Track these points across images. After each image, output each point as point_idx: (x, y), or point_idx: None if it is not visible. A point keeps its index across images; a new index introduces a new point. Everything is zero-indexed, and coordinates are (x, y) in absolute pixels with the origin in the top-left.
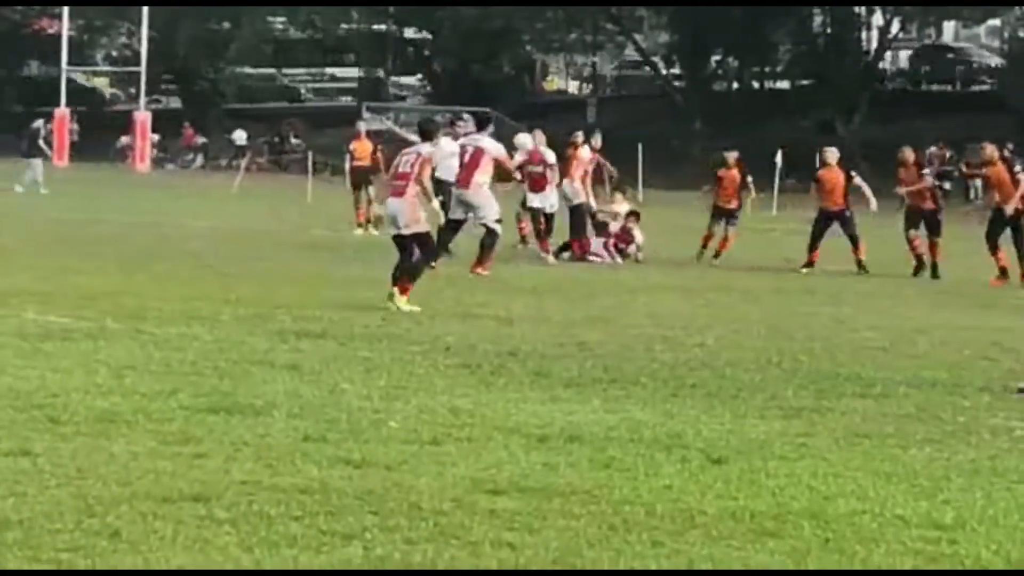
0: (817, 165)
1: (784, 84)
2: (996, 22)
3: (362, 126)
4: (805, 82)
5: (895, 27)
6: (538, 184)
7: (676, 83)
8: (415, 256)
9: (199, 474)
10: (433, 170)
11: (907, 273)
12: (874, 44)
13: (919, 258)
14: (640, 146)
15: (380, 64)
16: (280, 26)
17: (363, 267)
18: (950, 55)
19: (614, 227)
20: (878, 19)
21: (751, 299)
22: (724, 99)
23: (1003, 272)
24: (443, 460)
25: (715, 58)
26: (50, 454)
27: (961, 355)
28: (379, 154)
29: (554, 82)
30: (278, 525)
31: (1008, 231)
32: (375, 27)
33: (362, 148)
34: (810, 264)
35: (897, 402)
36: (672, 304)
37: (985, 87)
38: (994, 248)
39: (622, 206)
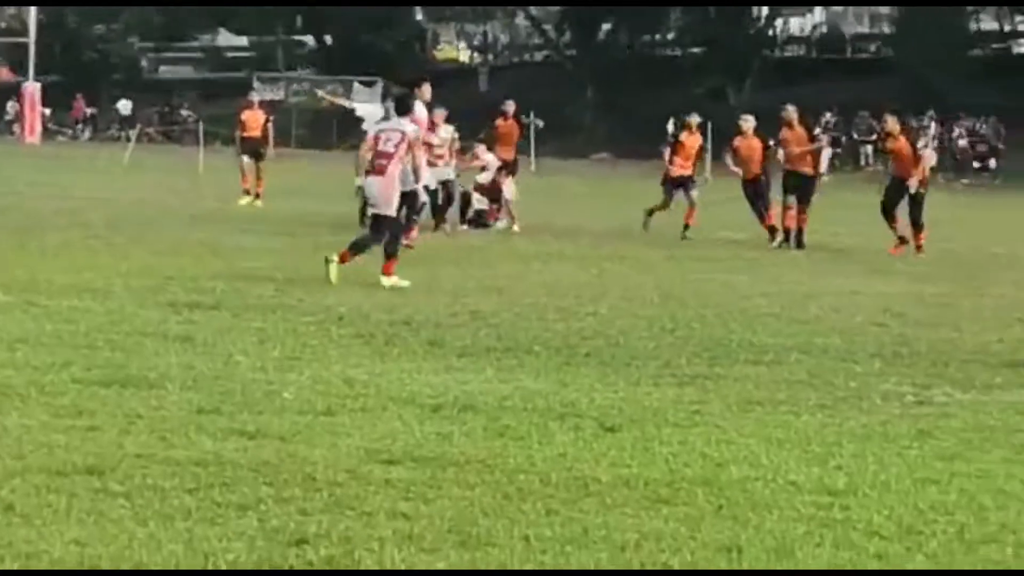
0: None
1: (675, 51)
2: None
3: (254, 96)
4: (696, 50)
5: None
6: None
7: (568, 51)
8: (384, 232)
9: (92, 447)
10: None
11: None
12: (764, 11)
13: (778, 227)
14: (531, 113)
15: (270, 32)
16: None
17: (255, 238)
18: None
19: (483, 178)
20: None
21: (644, 268)
22: (616, 67)
23: (902, 240)
24: (337, 431)
25: (606, 26)
26: None
27: (853, 321)
28: (269, 125)
29: (445, 51)
30: (172, 498)
31: (905, 201)
32: None
33: (253, 119)
34: (772, 231)
35: (789, 368)
36: (566, 273)
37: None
38: (891, 218)
39: (486, 156)
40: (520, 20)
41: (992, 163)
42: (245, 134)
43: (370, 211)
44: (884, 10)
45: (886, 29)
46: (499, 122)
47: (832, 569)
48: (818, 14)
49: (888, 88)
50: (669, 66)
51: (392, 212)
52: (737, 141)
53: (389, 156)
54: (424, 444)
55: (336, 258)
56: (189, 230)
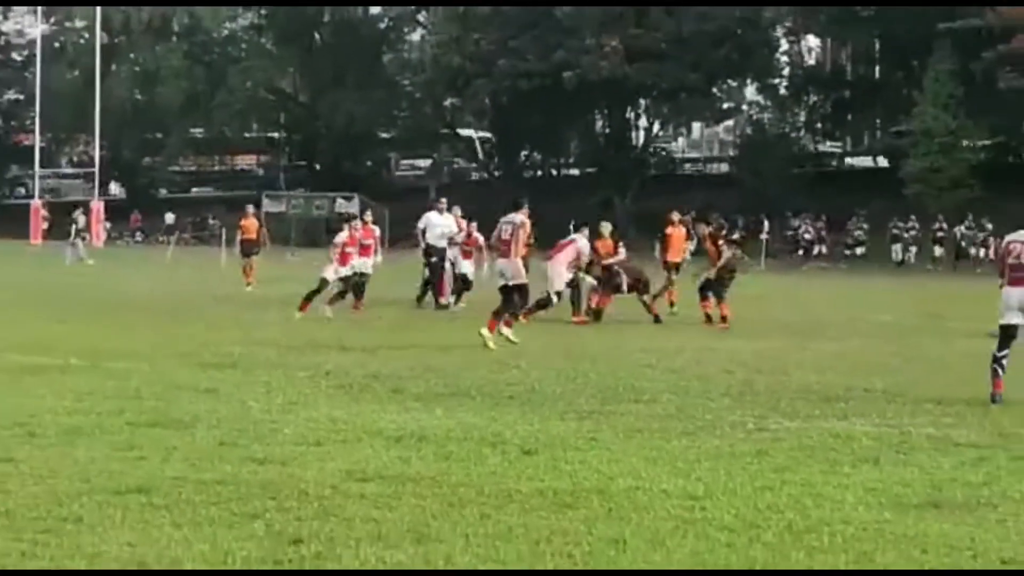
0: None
1: (575, 171)
2: (730, 122)
3: (249, 208)
4: (590, 169)
5: (656, 127)
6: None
7: (496, 172)
8: (516, 300)
9: (141, 472)
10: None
11: (670, 311)
12: (641, 140)
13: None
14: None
15: (276, 161)
16: (199, 134)
17: (262, 314)
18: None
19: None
20: (644, 122)
21: (554, 333)
22: (531, 183)
23: (708, 318)
24: (324, 457)
25: (524, 152)
26: (28, 460)
27: (708, 369)
28: (264, 229)
29: (405, 172)
30: (201, 509)
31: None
32: (270, 134)
33: (249, 225)
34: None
35: (662, 405)
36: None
37: (723, 170)
38: (703, 297)
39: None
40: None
41: (817, 251)
42: (243, 237)
43: (500, 283)
44: (728, 137)
45: (731, 152)
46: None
47: (696, 565)
48: (681, 143)
49: (733, 197)
50: (569, 182)
51: (524, 280)
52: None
53: (507, 243)
54: (389, 466)
55: (502, 325)
56: (213, 309)
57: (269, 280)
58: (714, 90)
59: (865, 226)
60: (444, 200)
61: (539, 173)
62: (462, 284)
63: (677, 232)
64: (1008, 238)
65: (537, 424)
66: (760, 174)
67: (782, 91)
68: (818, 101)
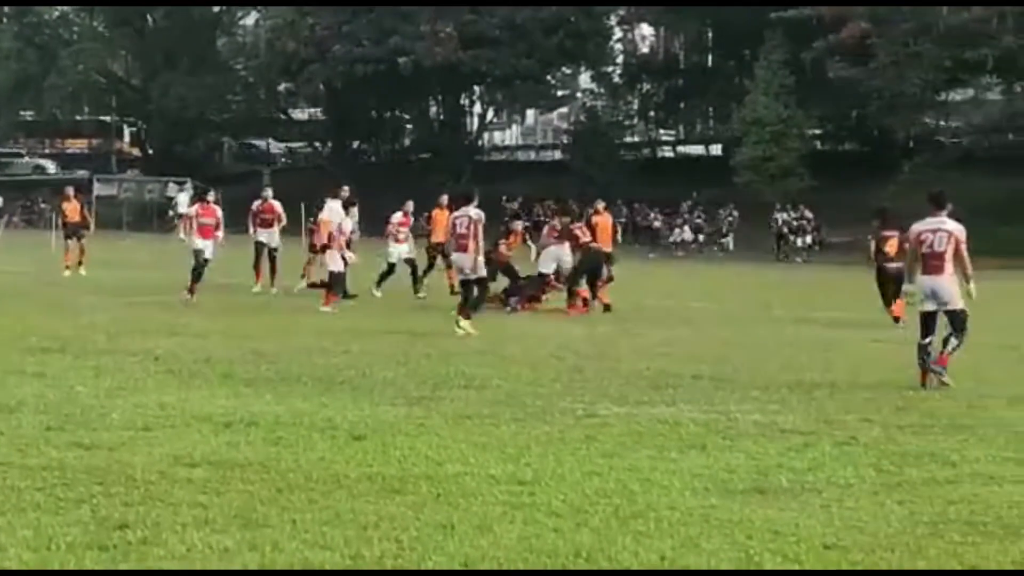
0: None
1: (409, 157)
2: (564, 109)
3: (69, 190)
4: (425, 155)
5: (490, 114)
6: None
7: (329, 157)
8: (476, 293)
9: None
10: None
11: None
12: (475, 126)
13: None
14: (302, 205)
15: (108, 145)
16: (30, 116)
17: (92, 299)
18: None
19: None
20: (478, 108)
21: (389, 317)
22: (366, 169)
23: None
24: (152, 442)
25: (358, 138)
26: None
27: (539, 355)
28: (86, 211)
29: (236, 158)
30: (25, 495)
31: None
32: (102, 117)
33: (71, 208)
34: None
35: (492, 392)
36: (333, 321)
37: (557, 156)
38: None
39: None
40: (293, 134)
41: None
42: (66, 220)
43: (460, 277)
44: (562, 124)
45: (564, 139)
46: (435, 212)
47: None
48: (515, 129)
49: (567, 184)
50: (404, 168)
51: (483, 273)
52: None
53: (465, 236)
54: (217, 451)
55: (460, 318)
56: (42, 293)
57: (101, 264)
58: (548, 77)
59: (703, 216)
60: (346, 189)
61: (373, 159)
62: (388, 270)
63: (602, 220)
64: (916, 228)
65: (367, 410)
66: (593, 161)
67: (616, 79)
68: (651, 89)
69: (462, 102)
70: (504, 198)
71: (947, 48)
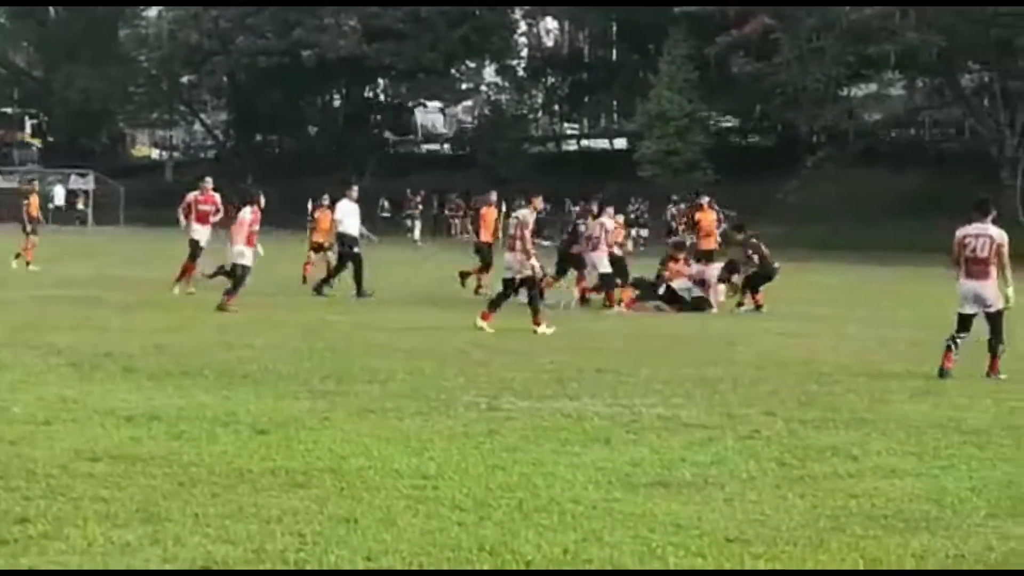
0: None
1: (314, 149)
2: (469, 103)
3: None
4: (329, 148)
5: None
6: None
7: (233, 150)
8: (532, 293)
9: None
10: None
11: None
12: (380, 119)
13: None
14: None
15: (9, 137)
16: None
17: None
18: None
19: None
20: (382, 101)
21: (291, 311)
22: (270, 160)
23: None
24: (54, 436)
25: (261, 130)
26: None
27: (444, 349)
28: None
29: (140, 149)
30: None
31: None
32: (3, 109)
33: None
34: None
35: (396, 385)
36: (231, 316)
37: (462, 151)
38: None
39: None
40: (197, 127)
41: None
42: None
43: (506, 275)
44: (468, 117)
45: (469, 132)
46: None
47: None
48: (419, 114)
49: (471, 177)
50: (308, 160)
51: (530, 272)
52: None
53: (513, 237)
54: (120, 445)
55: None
56: None
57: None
58: (452, 70)
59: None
60: (355, 188)
61: (277, 151)
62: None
63: (489, 212)
64: (961, 232)
65: (270, 404)
66: (498, 155)
67: (520, 73)
68: (556, 83)
69: (367, 94)
70: (408, 191)
71: (850, 44)
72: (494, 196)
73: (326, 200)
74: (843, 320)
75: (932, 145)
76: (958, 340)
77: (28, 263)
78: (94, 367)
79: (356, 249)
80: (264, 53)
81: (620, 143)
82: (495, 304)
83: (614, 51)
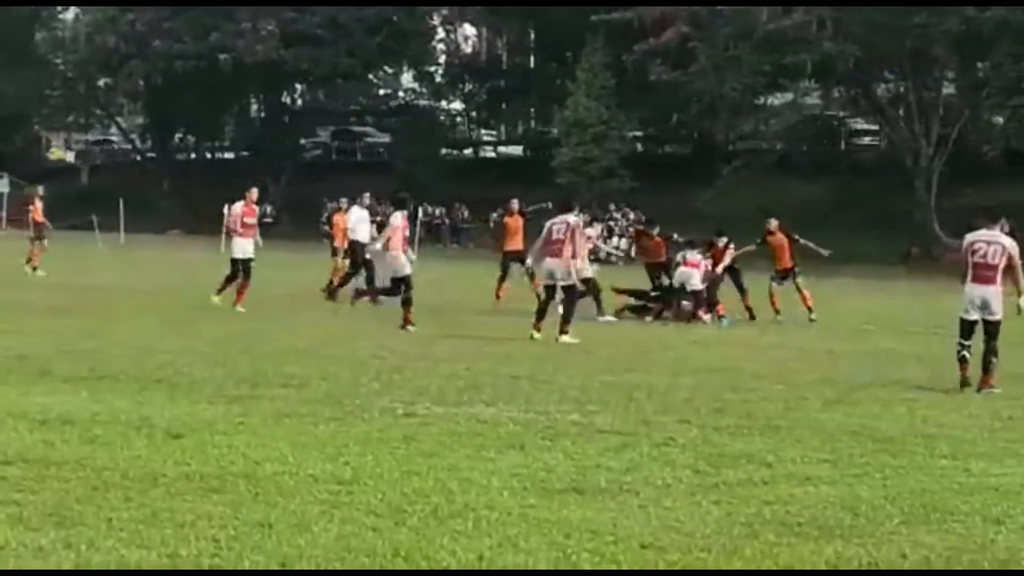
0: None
1: (230, 155)
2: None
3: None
4: (245, 153)
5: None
6: None
7: (149, 154)
8: (569, 301)
9: None
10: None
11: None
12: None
13: None
14: (122, 201)
15: None
16: None
17: None
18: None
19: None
20: (299, 106)
21: (208, 317)
22: (185, 166)
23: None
24: None
25: (178, 135)
26: None
27: (359, 355)
28: None
29: (56, 152)
30: None
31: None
32: None
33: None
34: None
35: (311, 391)
36: (147, 320)
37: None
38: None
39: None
40: (113, 130)
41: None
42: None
43: (547, 282)
44: (388, 121)
45: (387, 138)
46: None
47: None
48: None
49: (387, 183)
50: (224, 165)
51: (573, 281)
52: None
53: (560, 242)
54: (33, 449)
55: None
56: None
57: None
58: (370, 76)
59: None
60: (367, 195)
61: (193, 156)
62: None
63: (513, 221)
64: (970, 237)
65: (185, 408)
66: (415, 161)
67: (438, 79)
68: (474, 89)
69: (284, 100)
70: (325, 199)
71: (767, 53)
72: (516, 204)
73: (343, 204)
74: (758, 328)
75: (848, 155)
76: (967, 347)
77: (34, 268)
78: (8, 370)
79: (368, 256)
80: (181, 57)
81: (537, 150)
82: (541, 313)
83: (532, 58)
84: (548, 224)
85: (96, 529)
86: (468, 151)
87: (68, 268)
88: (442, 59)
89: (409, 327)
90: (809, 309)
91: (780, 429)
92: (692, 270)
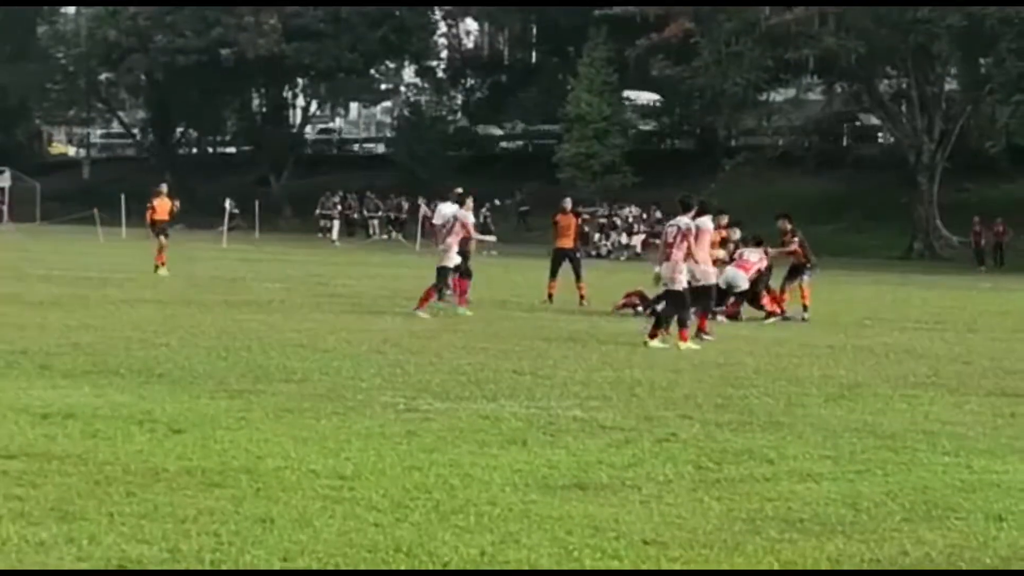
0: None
1: (231, 149)
2: (388, 103)
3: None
4: (246, 147)
5: (313, 107)
6: None
7: (150, 148)
8: (670, 306)
9: None
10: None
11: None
12: (298, 119)
13: None
14: (123, 196)
15: None
16: None
17: None
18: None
19: None
20: (301, 101)
21: (205, 310)
22: (187, 160)
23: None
24: None
25: (179, 129)
26: None
27: (360, 349)
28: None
29: (57, 147)
30: None
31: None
32: None
33: None
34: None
35: (313, 385)
36: (147, 314)
37: (381, 150)
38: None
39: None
40: (114, 124)
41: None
42: None
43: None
44: (386, 118)
45: (387, 133)
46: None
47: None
48: (338, 121)
49: (390, 178)
50: (225, 160)
51: (678, 287)
52: (559, 217)
53: (671, 246)
54: (35, 443)
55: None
56: None
57: None
58: (372, 71)
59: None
60: (459, 189)
61: (194, 150)
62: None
63: (565, 219)
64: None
65: (186, 403)
66: (416, 155)
67: (440, 74)
68: (475, 84)
69: (285, 94)
70: (328, 193)
71: (769, 48)
72: (569, 203)
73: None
74: (758, 324)
75: (850, 150)
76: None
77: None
78: (9, 364)
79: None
80: (182, 52)
81: (539, 145)
82: (658, 321)
83: (534, 53)
84: (665, 226)
85: (97, 524)
86: (469, 146)
87: (70, 262)
88: (444, 54)
89: (421, 312)
90: (805, 307)
91: (782, 425)
92: (741, 272)
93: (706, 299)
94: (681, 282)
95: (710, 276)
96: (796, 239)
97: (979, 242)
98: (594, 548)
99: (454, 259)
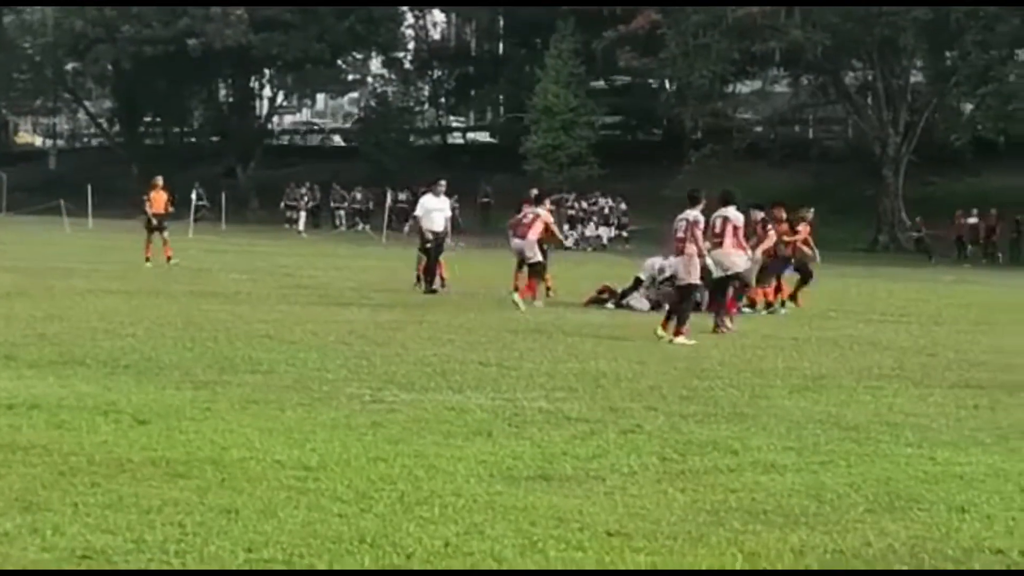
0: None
1: (198, 139)
2: (355, 94)
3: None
4: (214, 138)
5: (280, 98)
6: None
7: (117, 138)
8: (685, 301)
9: None
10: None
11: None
12: (265, 110)
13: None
14: (90, 186)
15: None
16: None
17: None
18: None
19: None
20: (268, 92)
21: (171, 301)
22: (154, 150)
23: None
24: None
25: (146, 119)
26: None
27: (327, 340)
28: None
29: (23, 136)
30: None
31: None
32: None
33: None
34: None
35: (279, 376)
36: (113, 304)
37: (348, 141)
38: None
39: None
40: (81, 114)
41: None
42: None
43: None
44: (353, 109)
45: (354, 124)
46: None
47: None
48: (305, 112)
49: (357, 169)
50: (192, 150)
51: (690, 281)
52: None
53: (682, 240)
54: None
55: (668, 332)
56: None
57: None
58: (339, 62)
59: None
60: (443, 183)
61: (162, 141)
62: None
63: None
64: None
65: (152, 393)
66: (383, 146)
67: (407, 65)
68: (442, 76)
69: (252, 85)
70: (293, 184)
71: (735, 41)
72: (535, 193)
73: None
74: (762, 316)
75: (816, 142)
76: None
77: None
78: None
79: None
80: (150, 42)
81: (506, 137)
82: (670, 313)
83: (501, 45)
84: (675, 221)
85: (62, 514)
86: (436, 138)
87: (36, 253)
88: (411, 45)
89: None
90: (782, 303)
91: (746, 417)
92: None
93: (726, 288)
94: (694, 276)
95: (738, 265)
96: (804, 227)
97: (960, 234)
98: (558, 539)
99: (537, 254)
